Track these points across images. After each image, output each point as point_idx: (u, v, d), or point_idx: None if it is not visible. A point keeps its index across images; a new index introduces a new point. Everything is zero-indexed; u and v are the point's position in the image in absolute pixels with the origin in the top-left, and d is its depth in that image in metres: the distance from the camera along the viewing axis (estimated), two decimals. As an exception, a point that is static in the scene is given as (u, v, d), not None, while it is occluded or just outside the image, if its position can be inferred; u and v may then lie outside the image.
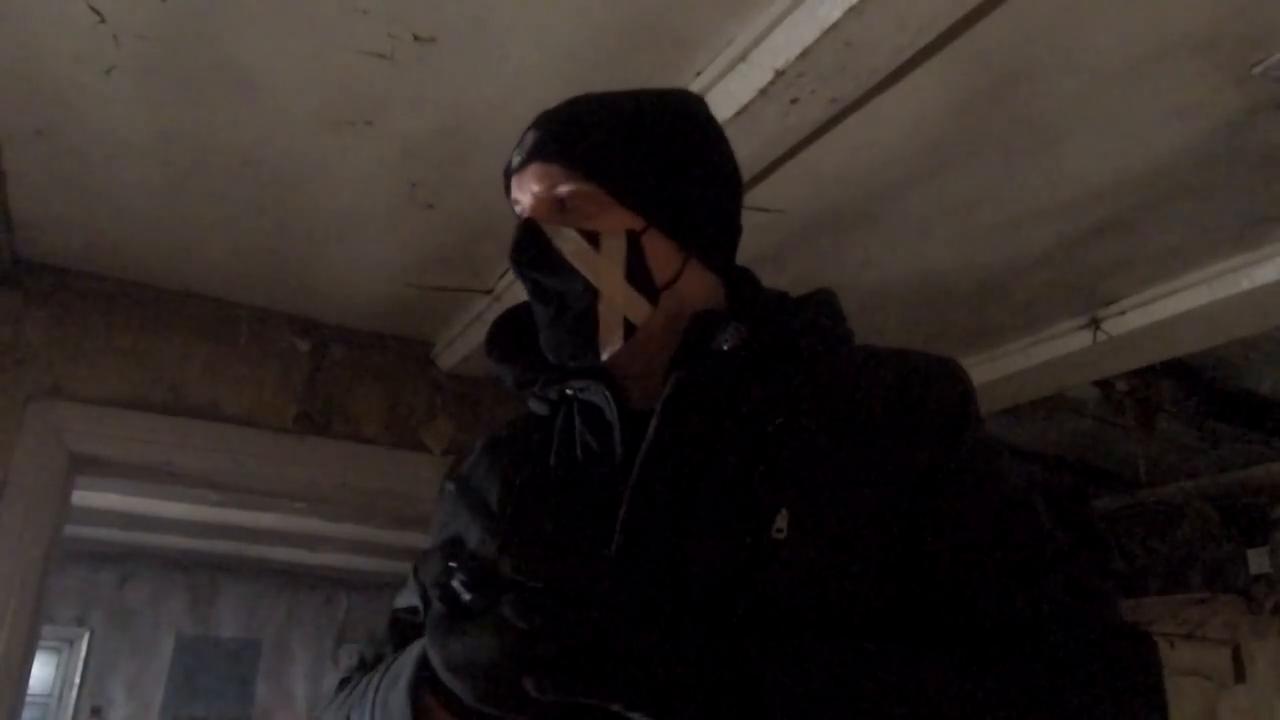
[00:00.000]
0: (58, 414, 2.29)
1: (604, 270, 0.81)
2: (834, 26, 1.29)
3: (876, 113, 1.58)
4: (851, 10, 1.26)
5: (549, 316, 0.84)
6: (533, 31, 1.48)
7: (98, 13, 1.46)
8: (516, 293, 2.27)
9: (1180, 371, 3.17)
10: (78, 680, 6.73)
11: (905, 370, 0.80)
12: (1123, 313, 2.32)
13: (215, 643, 7.18)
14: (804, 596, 0.70)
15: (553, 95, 1.61)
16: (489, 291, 2.35)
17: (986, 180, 1.83)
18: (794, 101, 1.45)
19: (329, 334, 2.65)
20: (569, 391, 0.86)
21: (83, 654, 6.77)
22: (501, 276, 2.28)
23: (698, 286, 0.85)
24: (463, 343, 2.58)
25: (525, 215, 0.84)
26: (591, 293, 0.81)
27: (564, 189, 0.82)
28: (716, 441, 0.77)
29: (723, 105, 1.49)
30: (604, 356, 0.81)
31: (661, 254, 0.83)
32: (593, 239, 0.81)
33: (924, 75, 1.50)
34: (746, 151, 1.56)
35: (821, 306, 0.87)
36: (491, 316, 2.37)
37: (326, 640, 7.52)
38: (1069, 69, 1.51)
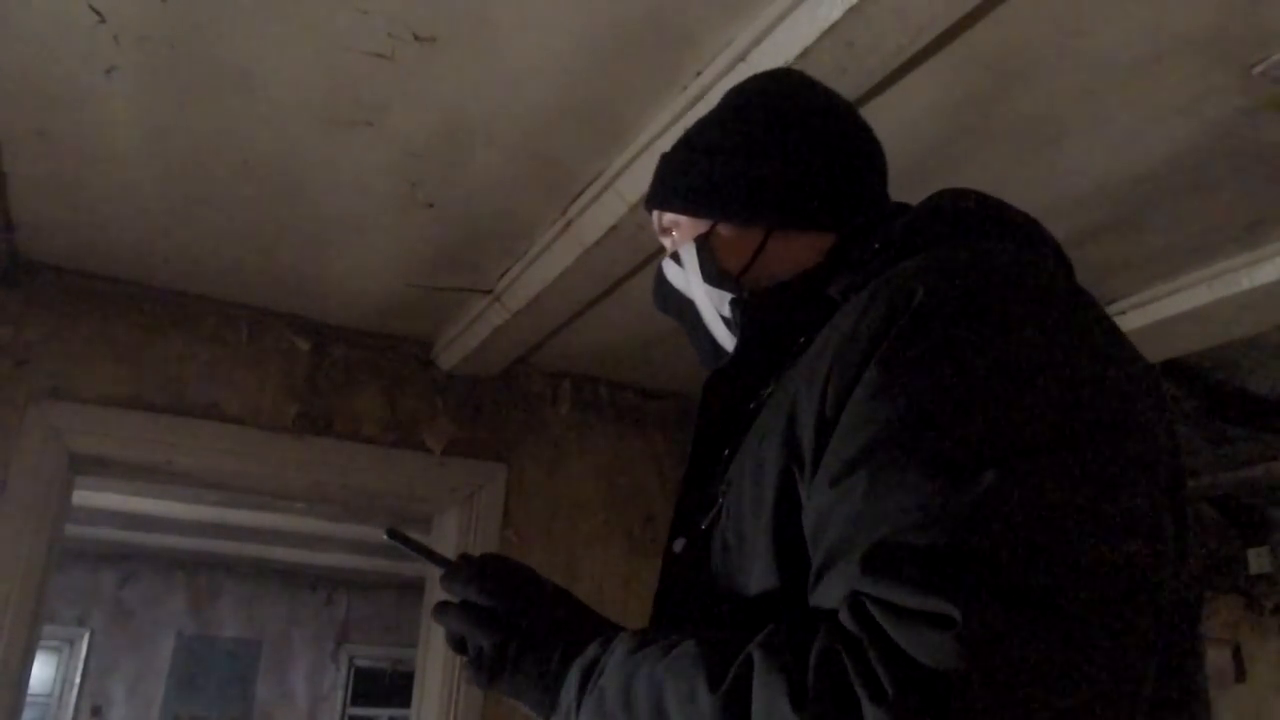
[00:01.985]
0: (58, 414, 2.29)
1: (690, 280, 0.88)
2: (834, 26, 1.29)
3: (876, 113, 1.57)
4: (851, 10, 1.26)
5: (692, 340, 0.92)
6: (533, 32, 1.48)
7: (98, 13, 1.46)
8: (516, 293, 2.28)
9: (1180, 371, 3.17)
10: (78, 680, 6.73)
11: (889, 282, 0.66)
12: (1123, 313, 2.32)
13: (215, 643, 7.18)
14: (711, 589, 0.72)
15: (552, 95, 1.62)
16: (489, 291, 2.35)
17: (986, 180, 1.82)
18: (794, 101, 1.44)
19: (329, 334, 2.65)
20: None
21: (83, 654, 6.78)
22: (501, 276, 2.28)
23: (787, 253, 0.83)
24: (463, 343, 2.58)
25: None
26: (689, 303, 0.89)
27: (662, 223, 0.92)
28: (725, 429, 0.81)
29: (723, 105, 1.49)
30: (732, 351, 0.85)
31: (733, 242, 0.85)
32: (678, 257, 0.89)
33: (924, 75, 1.50)
34: (746, 151, 1.57)
35: (905, 217, 0.76)
36: (491, 316, 2.40)
37: (326, 640, 7.52)
38: (1069, 69, 1.51)
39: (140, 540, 6.08)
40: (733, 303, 0.84)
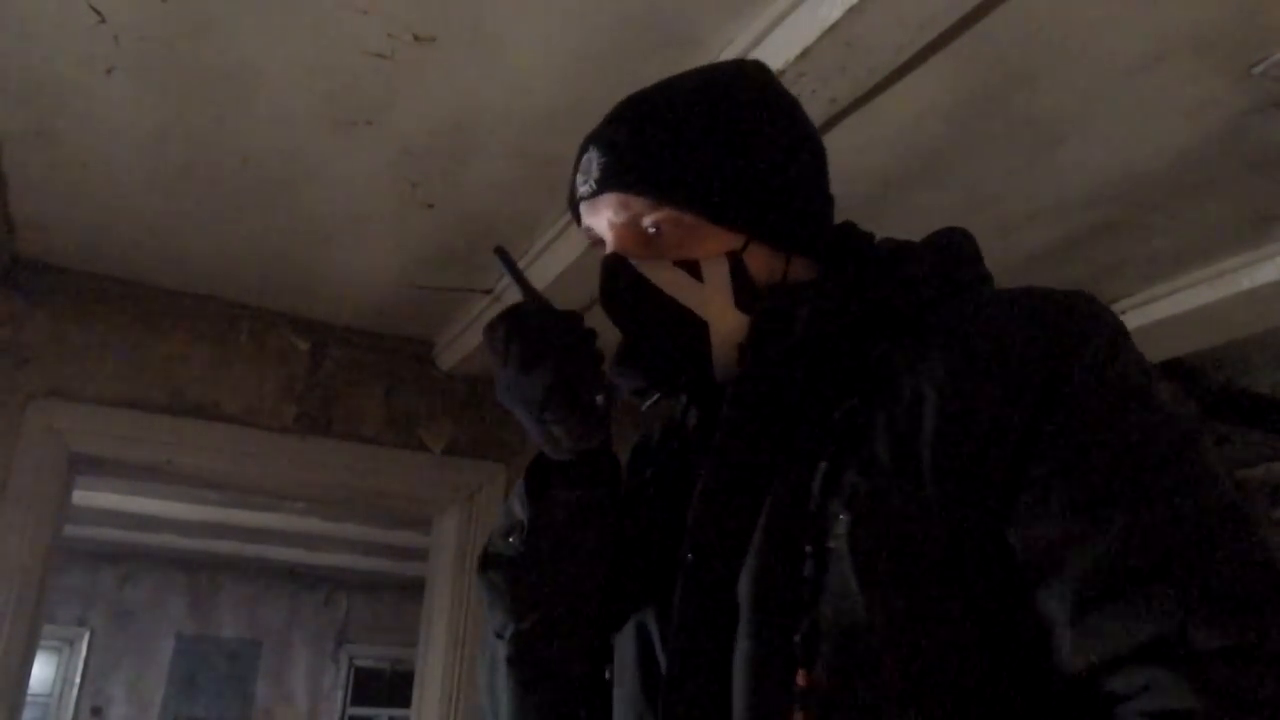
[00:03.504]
0: (58, 414, 2.29)
1: (710, 299, 0.74)
2: (834, 26, 1.29)
3: (877, 113, 1.58)
4: (851, 10, 1.26)
5: (651, 351, 0.78)
6: (533, 31, 1.48)
7: (98, 13, 1.46)
8: (516, 293, 2.26)
9: (1180, 371, 3.17)
10: (78, 680, 6.73)
11: (991, 316, 0.66)
12: (1123, 312, 2.32)
13: (215, 643, 7.18)
14: (870, 620, 0.60)
15: (552, 95, 1.62)
16: (489, 291, 2.35)
17: (986, 180, 1.83)
18: (794, 101, 1.45)
19: (329, 334, 2.65)
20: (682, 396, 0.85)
21: (83, 654, 6.78)
22: (502, 276, 2.28)
23: (802, 275, 0.77)
24: (463, 343, 2.58)
25: (609, 250, 0.77)
26: (699, 325, 0.75)
27: (651, 219, 0.74)
28: (779, 437, 0.70)
29: (723, 105, 1.49)
30: (722, 379, 0.76)
31: (764, 264, 0.75)
32: (693, 268, 0.74)
33: (924, 75, 1.49)
34: (746, 151, 1.57)
35: (934, 253, 0.75)
36: (491, 316, 2.39)
37: (326, 640, 7.52)
38: (1069, 69, 1.51)
39: (140, 540, 6.08)
40: (784, 298, 0.74)
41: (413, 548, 5.41)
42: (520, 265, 2.34)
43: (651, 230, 0.75)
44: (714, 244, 0.75)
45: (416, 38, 1.49)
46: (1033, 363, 0.62)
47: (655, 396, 0.82)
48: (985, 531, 0.60)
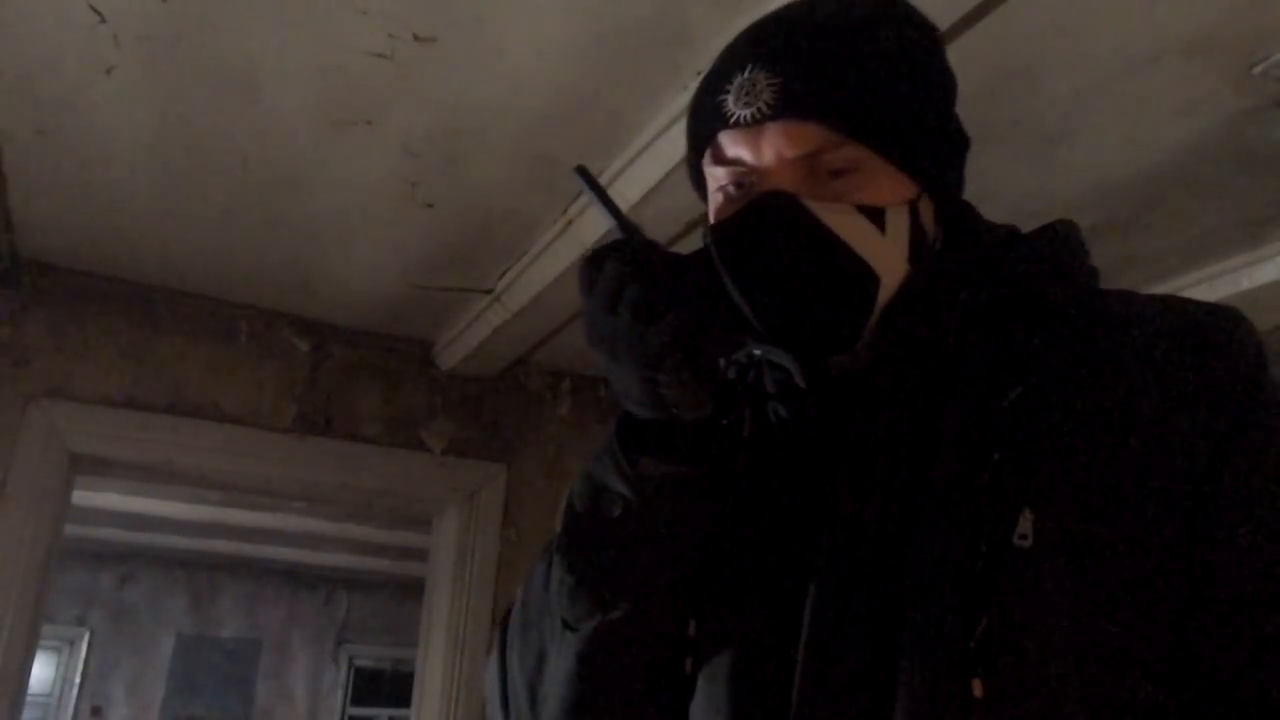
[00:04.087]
0: (58, 414, 2.29)
1: (888, 253, 0.66)
2: (834, 26, 1.29)
3: (876, 113, 1.58)
4: (851, 10, 1.25)
5: (794, 310, 0.67)
6: (533, 31, 1.48)
7: (98, 13, 1.46)
8: (516, 293, 2.28)
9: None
10: (78, 680, 6.74)
11: (1180, 323, 0.63)
12: (1123, 313, 2.32)
13: (215, 643, 7.19)
14: (1052, 626, 0.55)
15: (552, 95, 1.62)
16: (489, 291, 2.35)
17: (985, 180, 1.82)
18: (794, 101, 1.44)
19: (329, 334, 2.65)
20: (756, 352, 0.72)
21: (83, 654, 6.78)
22: (501, 276, 2.28)
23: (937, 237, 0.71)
24: (463, 343, 2.58)
25: (767, 187, 0.66)
26: (873, 281, 0.65)
27: (832, 155, 0.64)
28: (940, 420, 0.62)
29: (723, 105, 1.48)
30: (894, 342, 0.67)
31: (929, 217, 0.69)
32: (877, 216, 0.65)
33: (924, 75, 1.49)
34: (746, 151, 1.56)
35: (1061, 242, 0.70)
36: (491, 316, 2.40)
37: (326, 640, 7.52)
38: (1069, 69, 1.51)
39: (140, 540, 6.08)
40: (929, 257, 0.68)
41: (413, 548, 5.41)
42: (519, 266, 2.35)
43: (833, 169, 0.65)
44: (895, 192, 0.66)
45: (416, 38, 1.49)
46: (1227, 381, 0.60)
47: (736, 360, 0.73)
48: (1176, 549, 0.56)
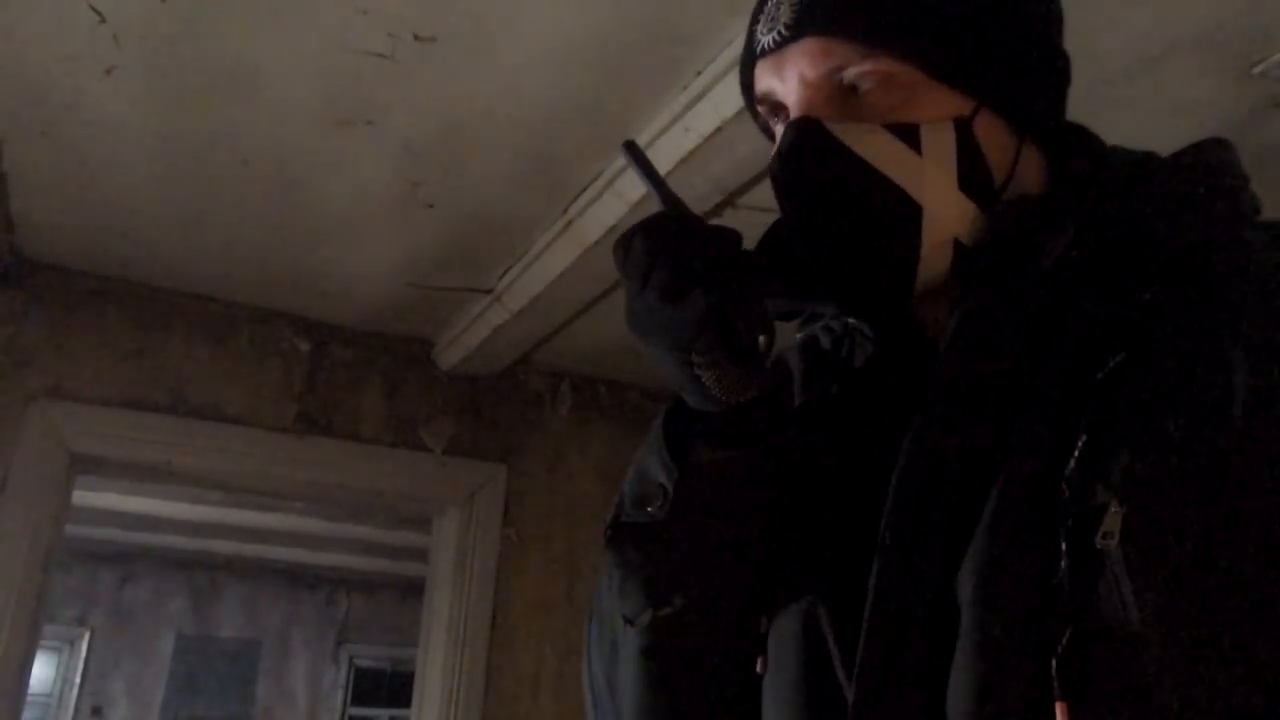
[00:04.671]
0: (58, 414, 2.29)
1: (930, 177, 0.58)
2: (834, 26, 1.29)
3: (876, 112, 1.58)
4: (852, 10, 1.25)
5: (837, 249, 0.61)
6: (532, 31, 1.48)
7: (98, 13, 1.46)
8: (516, 293, 2.28)
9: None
10: (78, 680, 6.74)
11: None
12: (1123, 312, 2.32)
13: (215, 643, 7.19)
14: (1137, 646, 0.46)
15: (552, 95, 1.62)
16: (489, 291, 2.35)
17: (986, 180, 1.83)
18: (794, 101, 1.44)
19: (329, 334, 2.65)
20: (850, 321, 0.67)
21: (83, 654, 6.78)
22: (501, 276, 2.28)
23: (1032, 172, 0.63)
24: (463, 343, 2.58)
25: (798, 111, 0.60)
26: (913, 210, 0.58)
27: (855, 70, 0.59)
28: (1023, 394, 0.54)
29: (723, 104, 1.48)
30: (919, 290, 0.61)
31: (997, 141, 0.60)
32: (910, 135, 0.58)
33: (924, 75, 1.50)
34: (747, 150, 1.56)
35: (1198, 172, 0.60)
36: (491, 316, 2.40)
37: (326, 640, 7.53)
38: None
39: (140, 540, 6.08)
40: (1017, 207, 0.59)
41: (413, 548, 5.41)
42: (520, 266, 2.35)
43: (860, 86, 0.59)
44: (936, 107, 0.59)
45: (416, 38, 1.49)
46: None
47: (810, 319, 0.67)
48: None
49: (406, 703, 2.94)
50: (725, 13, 1.42)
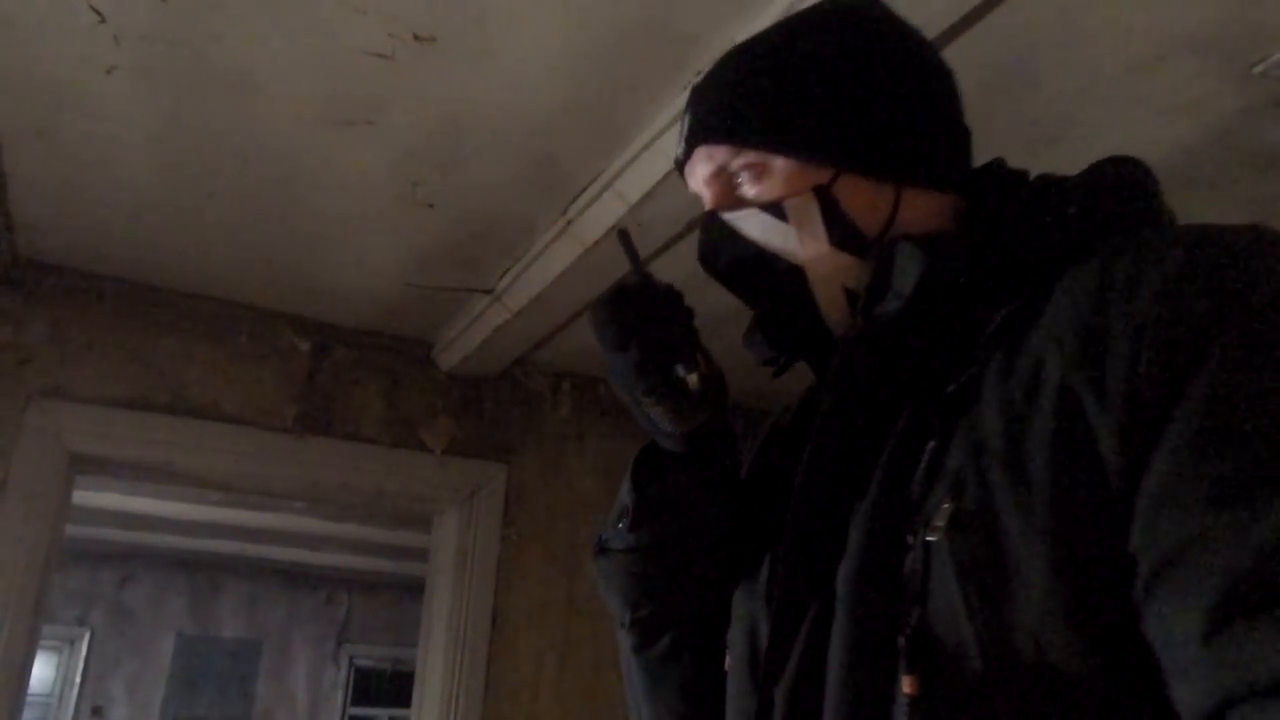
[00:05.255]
0: (58, 414, 2.30)
1: (802, 241, 0.69)
2: (834, 26, 1.29)
3: (876, 113, 1.58)
4: (851, 10, 1.26)
5: (766, 315, 0.75)
6: (532, 31, 1.48)
7: (98, 13, 1.46)
8: (516, 293, 2.28)
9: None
10: (78, 680, 6.73)
11: (1134, 262, 0.55)
12: (1123, 313, 2.32)
13: (215, 643, 7.19)
14: (961, 627, 0.53)
15: (552, 95, 1.62)
16: (489, 291, 2.35)
17: (986, 180, 1.83)
18: (794, 101, 1.44)
19: (329, 334, 2.65)
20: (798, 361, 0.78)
21: (83, 654, 6.78)
22: (501, 276, 2.28)
23: (921, 213, 0.70)
24: (463, 343, 2.58)
25: (707, 206, 0.74)
26: (797, 271, 0.69)
27: (733, 165, 0.71)
28: (889, 411, 0.63)
29: (723, 105, 1.48)
30: (839, 333, 0.70)
31: (864, 197, 0.69)
32: (779, 210, 0.69)
33: (924, 75, 1.50)
34: (746, 151, 1.56)
35: (1085, 192, 0.65)
36: (491, 316, 2.40)
37: (327, 640, 7.52)
38: (1069, 69, 1.51)
39: (140, 540, 6.08)
40: (889, 254, 0.66)
41: (413, 548, 5.41)
42: (519, 266, 2.35)
43: (739, 177, 0.71)
44: (799, 181, 0.69)
45: (416, 38, 1.49)
46: (1179, 320, 0.50)
47: (782, 366, 0.77)
48: (1108, 529, 0.50)
49: (406, 703, 2.93)
50: (725, 12, 1.42)
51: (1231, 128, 1.65)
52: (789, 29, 0.75)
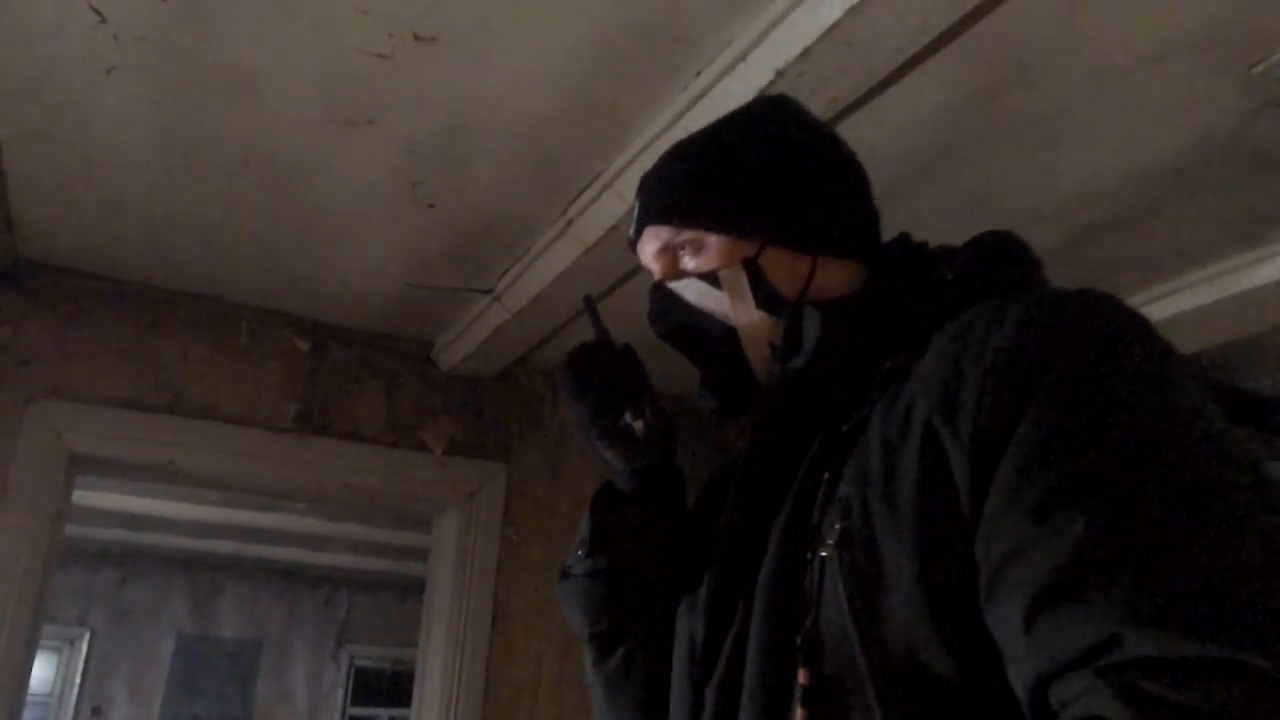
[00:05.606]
0: (58, 414, 2.29)
1: (734, 305, 0.82)
2: (834, 26, 1.29)
3: (877, 112, 1.58)
4: (852, 10, 1.26)
5: (708, 371, 0.87)
6: (533, 31, 1.48)
7: (98, 13, 1.46)
8: (516, 293, 2.28)
9: (1180, 371, 3.16)
10: (78, 680, 6.73)
11: (988, 320, 0.66)
12: (1123, 312, 2.32)
13: (215, 643, 7.18)
14: (848, 629, 0.63)
15: (553, 95, 1.62)
16: (489, 291, 2.35)
17: (986, 180, 1.83)
18: (794, 101, 1.44)
19: (329, 334, 2.65)
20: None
21: (83, 654, 6.78)
22: (501, 276, 2.28)
23: (834, 279, 0.82)
24: (463, 343, 2.58)
25: (656, 278, 0.88)
26: (730, 331, 0.83)
27: (676, 242, 0.85)
28: (797, 448, 0.75)
29: (723, 105, 1.48)
30: (762, 387, 0.81)
31: (785, 266, 0.82)
32: (713, 279, 0.82)
33: (924, 75, 1.50)
34: (746, 151, 1.56)
35: (964, 258, 0.77)
36: (491, 316, 2.40)
37: (326, 640, 7.52)
38: (1069, 68, 1.51)
39: (140, 540, 6.08)
40: (798, 316, 0.78)
41: (413, 548, 5.41)
42: (519, 266, 2.36)
43: (680, 252, 0.85)
44: (731, 254, 0.82)
45: (416, 38, 1.49)
46: (1013, 373, 0.61)
47: (722, 415, 0.88)
48: (962, 544, 0.60)
49: (406, 703, 2.94)
50: (725, 13, 1.42)
51: (1231, 128, 1.65)
52: (721, 128, 0.89)
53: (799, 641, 0.65)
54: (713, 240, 0.83)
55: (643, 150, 1.69)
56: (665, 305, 0.86)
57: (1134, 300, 2.31)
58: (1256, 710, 0.47)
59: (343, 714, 7.44)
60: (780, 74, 1.38)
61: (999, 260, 0.77)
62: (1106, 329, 0.62)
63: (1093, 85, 1.55)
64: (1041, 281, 0.76)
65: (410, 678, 2.85)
